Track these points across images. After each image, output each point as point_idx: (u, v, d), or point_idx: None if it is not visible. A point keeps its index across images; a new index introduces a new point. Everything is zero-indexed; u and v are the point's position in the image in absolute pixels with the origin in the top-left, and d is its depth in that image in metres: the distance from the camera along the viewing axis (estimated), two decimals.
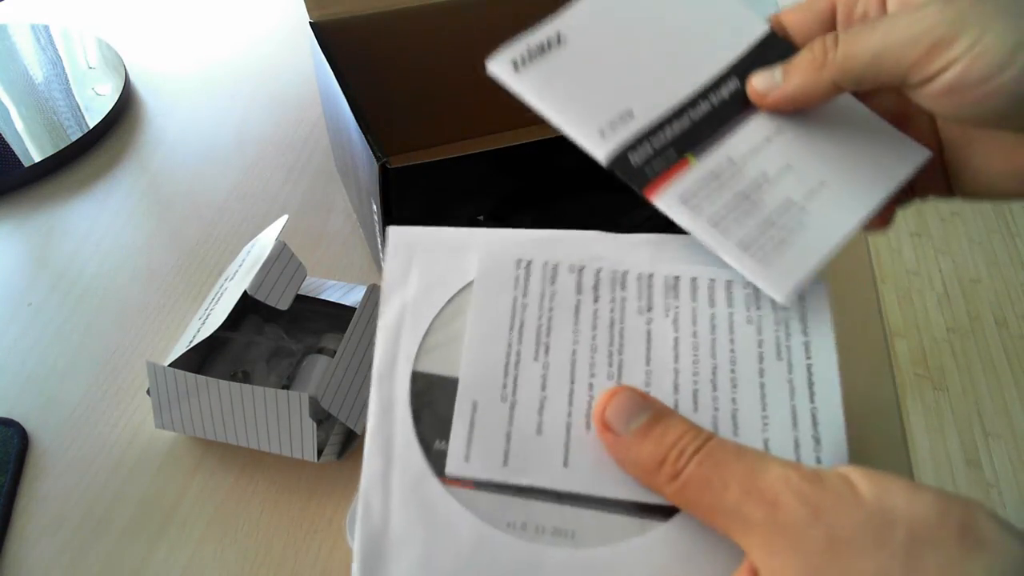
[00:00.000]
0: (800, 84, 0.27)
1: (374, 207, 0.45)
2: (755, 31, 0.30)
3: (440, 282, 0.26)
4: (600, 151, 0.27)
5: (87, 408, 0.46)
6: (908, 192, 0.30)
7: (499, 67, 0.28)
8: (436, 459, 0.23)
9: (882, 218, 0.29)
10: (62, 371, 0.48)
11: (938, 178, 0.30)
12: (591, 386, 0.24)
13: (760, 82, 0.28)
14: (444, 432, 0.23)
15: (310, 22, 0.51)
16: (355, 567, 0.22)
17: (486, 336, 0.25)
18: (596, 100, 0.28)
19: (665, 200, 0.26)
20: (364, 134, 0.42)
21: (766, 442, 0.24)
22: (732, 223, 0.26)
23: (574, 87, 0.28)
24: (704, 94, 0.28)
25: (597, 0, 0.30)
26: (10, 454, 0.43)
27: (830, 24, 0.30)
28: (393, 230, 0.27)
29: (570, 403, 0.24)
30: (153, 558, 0.40)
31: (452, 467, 0.23)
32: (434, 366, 0.24)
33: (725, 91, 0.29)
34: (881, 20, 0.26)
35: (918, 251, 1.75)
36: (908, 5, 0.26)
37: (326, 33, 0.50)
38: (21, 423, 0.45)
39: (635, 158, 0.27)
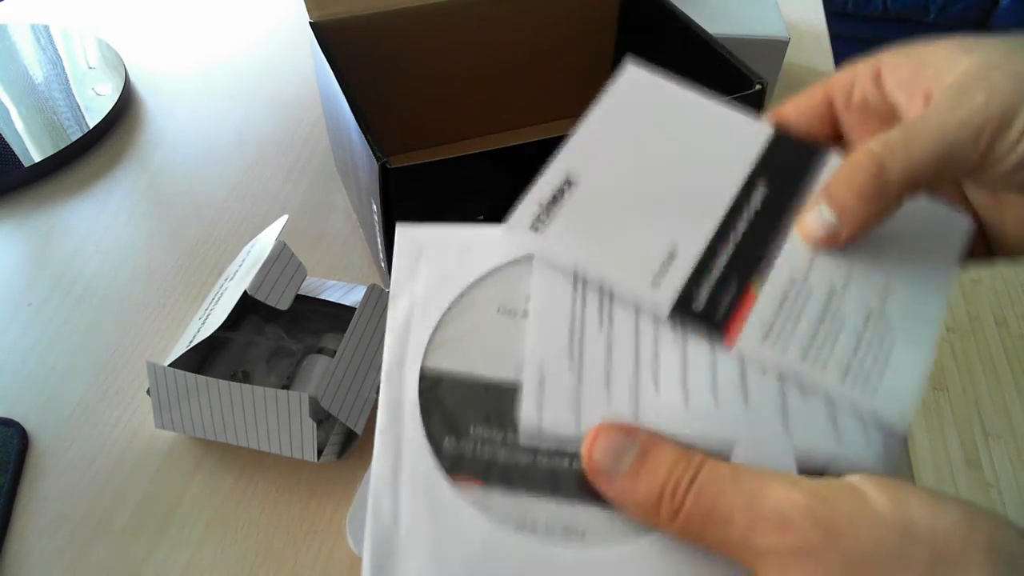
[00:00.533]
0: (864, 213, 0.25)
1: (374, 207, 0.45)
2: (761, 134, 0.29)
3: (449, 278, 0.26)
4: (660, 305, 0.25)
5: (87, 408, 0.46)
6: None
7: (519, 233, 0.26)
8: (445, 458, 0.23)
9: None
10: (62, 371, 0.48)
11: (977, 244, 0.29)
12: (656, 354, 0.24)
13: (816, 226, 0.26)
14: (454, 429, 0.23)
15: (310, 22, 0.51)
16: (365, 567, 0.22)
17: (550, 307, 0.25)
18: (633, 244, 0.26)
19: (749, 343, 0.24)
20: (364, 134, 0.42)
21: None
22: (822, 351, 0.24)
23: (605, 235, 0.26)
24: (736, 211, 0.27)
25: (592, 129, 0.28)
26: (10, 454, 0.43)
27: (829, 116, 0.29)
28: (401, 228, 0.26)
29: (636, 373, 0.24)
30: (153, 558, 0.40)
31: (526, 424, 0.23)
32: (443, 362, 0.24)
33: (755, 202, 0.27)
34: (923, 122, 0.25)
35: None
36: (944, 98, 0.25)
37: (326, 33, 0.50)
38: (21, 423, 0.45)
39: (697, 302, 0.25)
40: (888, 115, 0.28)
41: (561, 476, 0.23)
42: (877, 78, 0.28)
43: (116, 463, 0.44)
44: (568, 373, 0.24)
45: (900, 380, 0.24)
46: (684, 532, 0.21)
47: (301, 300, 0.48)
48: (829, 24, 0.81)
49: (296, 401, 0.39)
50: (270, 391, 0.39)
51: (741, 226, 0.26)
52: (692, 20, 0.51)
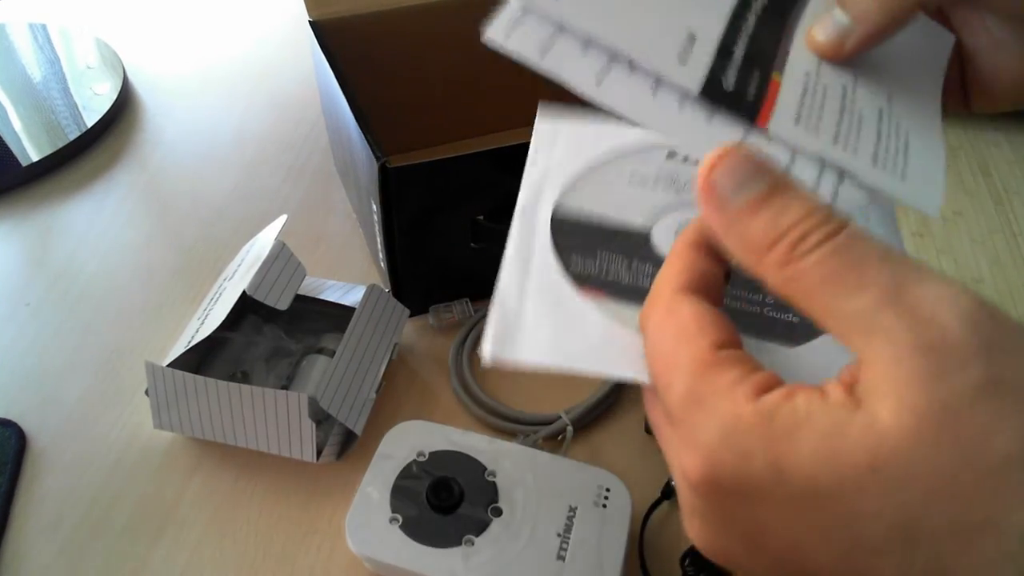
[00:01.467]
0: (880, 18, 0.24)
1: (374, 207, 0.45)
2: None
3: (586, 148, 0.28)
4: (689, 80, 0.24)
5: (85, 408, 0.46)
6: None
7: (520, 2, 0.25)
8: (573, 271, 0.25)
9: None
10: (60, 371, 0.48)
11: (956, 90, 0.29)
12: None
13: (827, 33, 0.25)
14: (583, 249, 0.25)
15: (310, 21, 0.51)
16: (487, 342, 0.22)
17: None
18: (653, 23, 0.25)
19: (782, 126, 0.24)
20: (364, 134, 0.42)
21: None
22: (849, 138, 0.24)
23: (626, 12, 0.25)
24: (744, 4, 0.27)
25: None
26: (8, 454, 0.43)
27: None
28: (543, 109, 0.28)
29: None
30: (152, 558, 0.40)
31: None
32: (576, 203, 0.26)
33: None
34: None
35: (920, 251, 1.74)
36: None
37: (326, 33, 0.50)
38: (19, 423, 0.45)
39: (727, 82, 0.24)
40: None
41: None
42: None
43: (115, 463, 0.44)
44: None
45: (924, 168, 0.24)
46: (790, 284, 0.18)
47: (300, 300, 0.47)
48: None
49: (295, 401, 0.39)
50: (269, 391, 0.39)
51: (752, 18, 0.27)
52: None
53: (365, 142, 0.42)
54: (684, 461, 0.19)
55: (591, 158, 0.28)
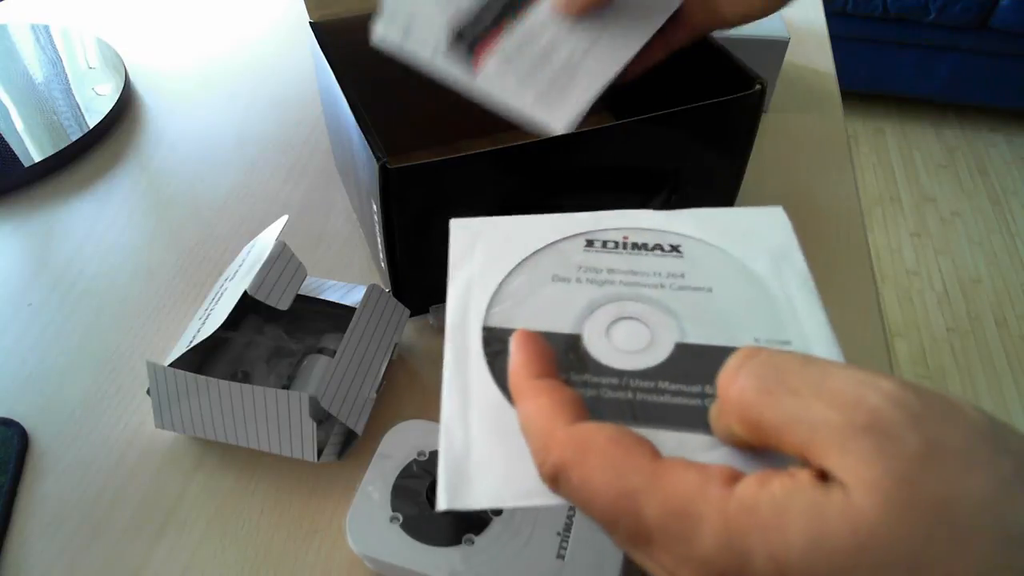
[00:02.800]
0: None
1: (374, 207, 0.45)
2: None
3: (505, 253, 0.29)
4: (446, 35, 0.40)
5: (87, 408, 0.46)
6: (686, 31, 0.39)
7: None
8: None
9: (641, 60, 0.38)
10: (62, 371, 0.48)
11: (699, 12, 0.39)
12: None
13: None
14: None
15: (310, 22, 0.51)
16: (441, 491, 0.23)
17: None
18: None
19: (489, 69, 0.35)
20: (364, 134, 0.42)
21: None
22: (529, 80, 0.35)
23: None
24: None
25: None
26: (10, 454, 0.43)
27: None
28: (456, 223, 0.30)
29: None
30: (153, 558, 0.40)
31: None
32: (504, 320, 0.27)
33: None
34: None
35: (918, 251, 1.75)
36: None
37: (326, 33, 0.50)
38: (21, 423, 0.45)
39: (465, 35, 0.38)
40: None
41: (626, 405, 0.25)
42: None
43: (116, 463, 0.44)
44: None
45: (571, 98, 0.36)
46: (742, 414, 0.20)
47: (301, 300, 0.48)
48: (829, 24, 0.81)
49: (296, 401, 0.39)
50: (270, 391, 0.39)
51: None
52: None
53: (365, 142, 0.42)
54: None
55: (510, 262, 0.28)
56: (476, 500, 0.23)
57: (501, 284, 0.27)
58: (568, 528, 0.37)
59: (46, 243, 0.57)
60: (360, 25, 0.53)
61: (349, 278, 0.52)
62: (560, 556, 0.36)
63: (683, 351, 0.26)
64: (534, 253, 0.28)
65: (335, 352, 0.42)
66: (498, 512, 0.38)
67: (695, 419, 0.24)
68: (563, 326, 0.26)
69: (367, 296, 0.44)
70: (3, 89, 0.69)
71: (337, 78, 0.46)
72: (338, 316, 0.47)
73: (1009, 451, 0.17)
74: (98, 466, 0.44)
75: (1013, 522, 0.17)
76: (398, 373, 0.48)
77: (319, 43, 0.49)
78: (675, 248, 0.28)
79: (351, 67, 0.48)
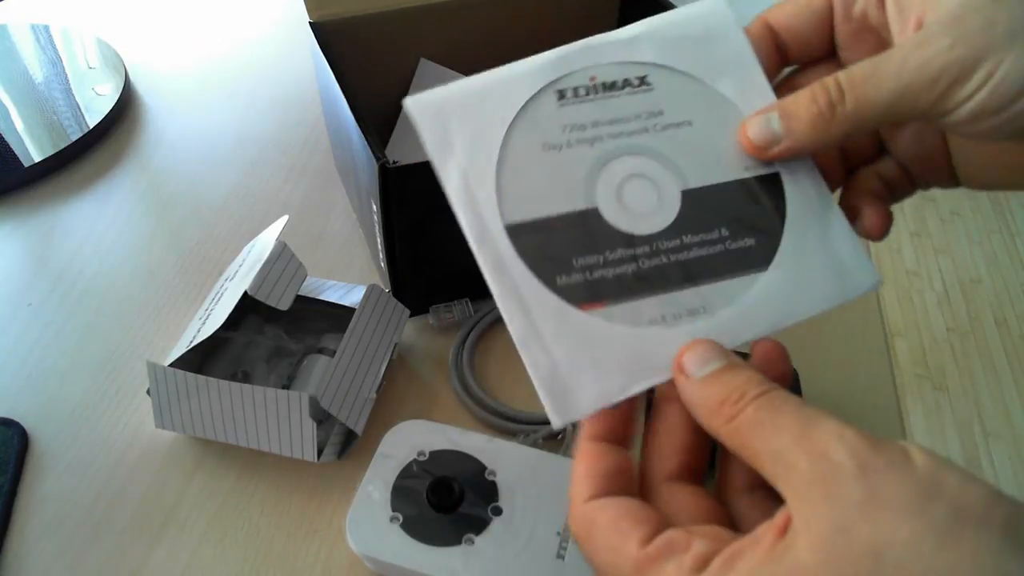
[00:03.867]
0: (807, 139, 0.26)
1: (374, 207, 0.45)
2: None
3: (485, 132, 0.27)
4: None
5: (87, 408, 0.46)
6: (910, 185, 0.30)
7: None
8: (565, 293, 0.25)
9: None
10: (62, 371, 0.48)
11: (943, 171, 0.29)
12: None
13: (757, 133, 0.27)
14: (560, 266, 0.25)
15: (310, 22, 0.51)
16: (550, 412, 0.24)
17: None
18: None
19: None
20: (364, 134, 0.42)
21: None
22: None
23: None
24: None
25: None
26: (10, 454, 0.43)
27: (827, 24, 0.29)
28: (412, 103, 0.27)
29: None
30: (153, 558, 0.40)
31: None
32: (520, 214, 0.26)
33: None
34: (887, 59, 0.24)
35: (918, 251, 1.75)
36: (914, 35, 0.25)
37: (326, 33, 0.50)
38: (21, 423, 0.45)
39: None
40: (883, 36, 0.27)
41: (665, 270, 0.26)
42: None
43: (116, 463, 0.44)
44: None
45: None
46: (733, 435, 0.22)
47: (301, 300, 0.48)
48: None
49: (296, 401, 0.39)
50: (270, 391, 0.39)
51: None
52: None
53: (365, 142, 0.42)
54: None
55: (495, 142, 0.27)
56: (585, 407, 0.24)
57: (497, 171, 0.26)
58: (568, 528, 0.37)
59: (46, 243, 0.57)
60: (360, 25, 0.53)
61: (349, 278, 0.52)
62: (560, 556, 0.36)
63: (690, 198, 0.27)
64: (513, 122, 0.27)
65: (335, 352, 0.42)
66: (498, 512, 0.38)
67: (724, 264, 0.26)
68: (576, 202, 0.26)
69: (367, 296, 0.44)
70: (3, 89, 0.69)
71: (337, 78, 0.46)
72: (338, 316, 0.47)
73: (944, 497, 0.18)
74: (98, 466, 0.44)
75: (942, 568, 0.17)
76: (398, 373, 0.48)
77: (319, 43, 0.49)
78: (643, 80, 0.28)
79: (351, 67, 0.48)
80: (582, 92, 0.27)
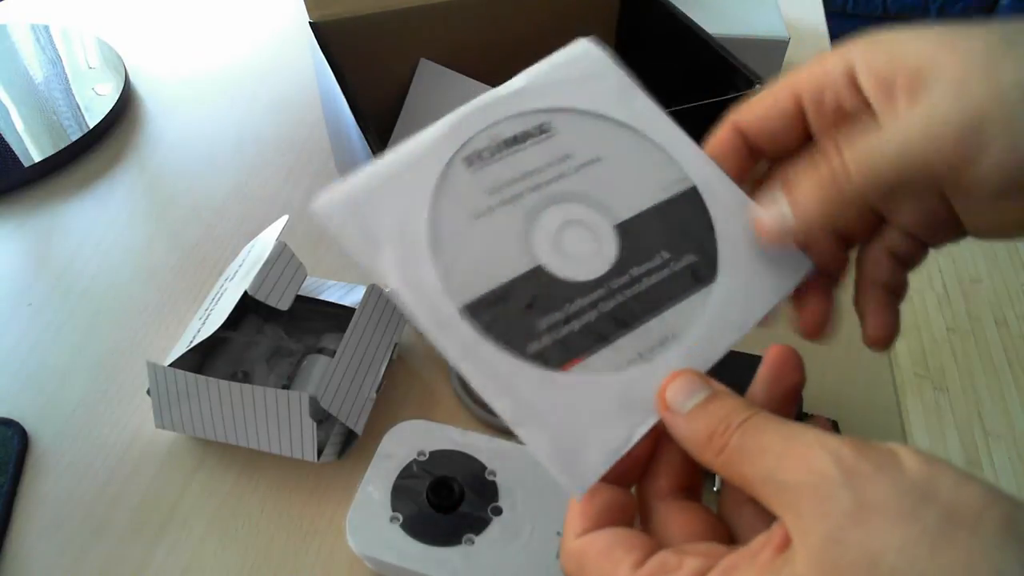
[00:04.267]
0: (817, 216, 0.26)
1: None
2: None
3: (407, 224, 0.25)
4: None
5: (87, 408, 0.46)
6: (921, 249, 0.29)
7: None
8: (541, 359, 0.24)
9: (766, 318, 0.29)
10: (62, 371, 0.48)
11: (951, 229, 0.28)
12: None
13: (772, 225, 0.27)
14: (527, 332, 0.25)
15: (310, 22, 0.51)
16: (565, 485, 0.24)
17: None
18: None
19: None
20: (364, 134, 0.42)
21: None
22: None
23: None
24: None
25: None
26: (10, 454, 0.43)
27: (798, 120, 0.28)
28: (320, 208, 0.25)
29: None
30: (153, 558, 0.40)
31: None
32: (472, 290, 0.25)
33: None
34: (890, 129, 0.24)
35: None
36: (913, 103, 0.24)
37: (326, 33, 0.50)
38: (21, 423, 0.45)
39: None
40: (864, 118, 0.26)
41: (625, 308, 0.26)
42: (851, 80, 0.26)
43: (116, 463, 0.44)
44: None
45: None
46: (725, 466, 0.22)
47: (301, 300, 0.48)
48: (829, 24, 0.81)
49: (296, 401, 0.39)
50: (270, 391, 0.39)
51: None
52: (692, 20, 0.51)
53: (365, 142, 0.42)
54: None
55: (421, 230, 0.25)
56: (598, 468, 0.24)
57: (433, 253, 0.25)
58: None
59: (46, 243, 0.57)
60: (360, 25, 0.53)
61: (349, 278, 0.52)
62: (560, 556, 0.36)
63: (625, 232, 0.27)
64: (433, 200, 0.26)
65: (335, 352, 0.42)
66: (498, 512, 0.38)
67: (676, 286, 0.27)
68: (521, 263, 0.26)
69: (367, 296, 0.44)
70: (3, 89, 0.69)
71: (337, 78, 0.46)
72: (338, 316, 0.47)
73: (936, 500, 0.18)
74: (98, 466, 0.44)
75: (937, 574, 0.17)
76: (398, 373, 0.48)
77: (319, 43, 0.49)
78: (542, 128, 0.28)
79: (351, 67, 0.48)
80: (486, 155, 0.27)
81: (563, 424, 0.24)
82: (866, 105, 0.26)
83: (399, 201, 0.26)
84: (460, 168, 0.27)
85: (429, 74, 0.59)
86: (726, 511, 0.25)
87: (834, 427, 0.43)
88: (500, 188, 0.27)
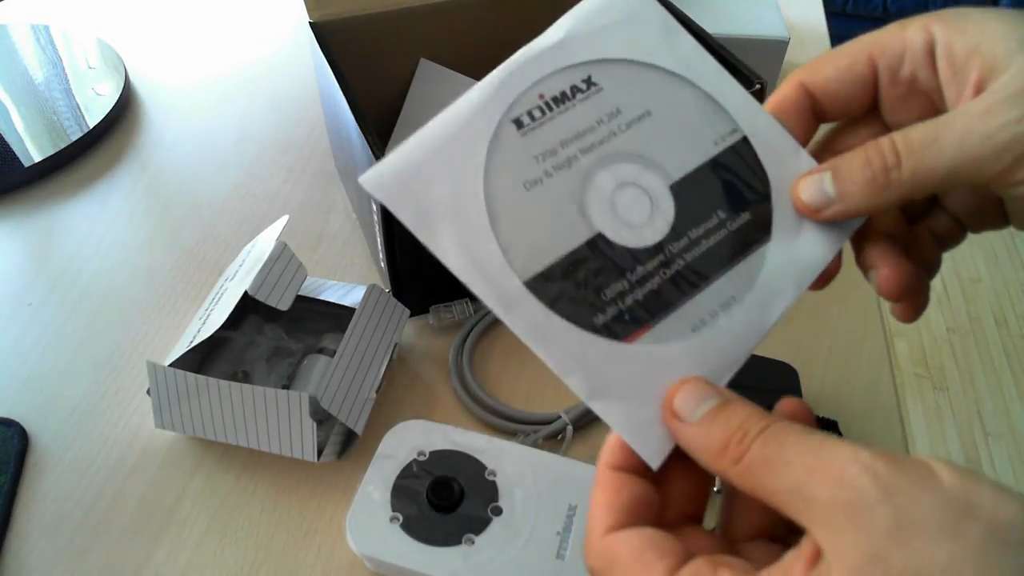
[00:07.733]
0: (860, 203, 0.25)
1: (374, 207, 0.45)
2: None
3: (463, 190, 0.24)
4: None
5: (87, 408, 0.46)
6: (962, 233, 0.29)
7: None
8: (609, 331, 0.24)
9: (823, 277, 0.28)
10: (62, 371, 0.48)
11: (996, 219, 0.28)
12: None
13: (810, 194, 0.26)
14: (592, 304, 0.24)
15: (310, 22, 0.51)
16: (648, 459, 0.23)
17: None
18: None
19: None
20: (364, 134, 0.42)
21: None
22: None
23: None
24: None
25: None
26: (10, 454, 0.43)
27: (871, 87, 0.27)
28: (368, 182, 0.24)
29: None
30: (153, 558, 0.40)
31: None
32: (535, 264, 0.24)
33: None
34: (948, 126, 0.23)
35: None
36: (977, 101, 0.23)
37: (326, 33, 0.50)
38: (21, 423, 0.45)
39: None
40: (934, 99, 0.26)
41: (685, 273, 0.25)
42: (930, 56, 0.25)
43: (116, 463, 0.44)
44: None
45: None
46: (742, 477, 0.21)
47: (301, 300, 0.48)
48: (829, 24, 0.81)
49: (296, 401, 0.39)
50: (270, 391, 0.39)
51: None
52: (692, 20, 0.51)
53: (365, 142, 0.42)
54: None
55: (478, 202, 0.25)
56: (672, 440, 0.23)
57: (493, 228, 0.24)
58: (568, 528, 0.37)
59: (46, 243, 0.57)
60: (360, 25, 0.53)
61: (349, 278, 0.52)
62: (560, 556, 0.36)
63: (679, 192, 0.26)
64: (486, 170, 0.25)
65: (335, 352, 0.42)
66: (498, 512, 0.38)
67: (733, 246, 0.26)
68: (581, 233, 0.25)
69: (367, 296, 0.44)
70: (3, 89, 0.69)
71: (337, 78, 0.46)
72: (338, 316, 0.47)
73: (979, 516, 0.18)
74: (98, 466, 0.44)
75: None
76: (398, 373, 0.48)
77: (319, 43, 0.49)
78: (589, 82, 0.27)
79: (351, 67, 0.48)
80: (537, 115, 0.26)
81: (636, 396, 0.24)
82: (937, 87, 0.26)
83: (450, 172, 0.24)
84: (509, 132, 0.25)
85: (429, 74, 0.59)
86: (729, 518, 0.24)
87: (834, 427, 0.43)
88: (552, 152, 0.26)
